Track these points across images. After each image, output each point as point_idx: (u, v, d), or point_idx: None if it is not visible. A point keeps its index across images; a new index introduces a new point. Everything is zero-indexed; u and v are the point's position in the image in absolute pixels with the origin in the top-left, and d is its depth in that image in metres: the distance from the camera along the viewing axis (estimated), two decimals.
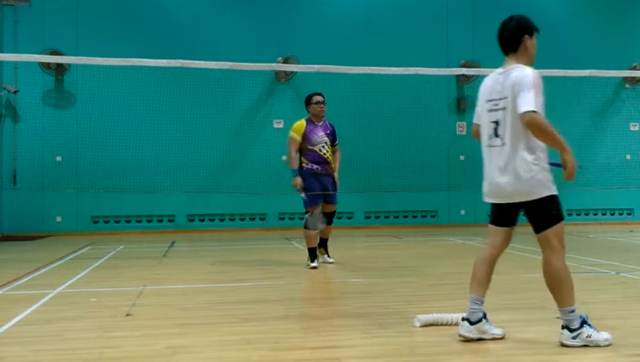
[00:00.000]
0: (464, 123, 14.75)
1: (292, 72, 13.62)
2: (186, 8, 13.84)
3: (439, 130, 14.49)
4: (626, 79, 15.15)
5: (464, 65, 14.06)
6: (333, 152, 7.48)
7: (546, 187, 3.65)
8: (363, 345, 3.73)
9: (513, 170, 3.66)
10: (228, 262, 8.08)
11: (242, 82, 13.04)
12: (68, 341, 3.90)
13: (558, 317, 4.08)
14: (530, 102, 3.55)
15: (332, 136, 7.47)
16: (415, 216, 14.53)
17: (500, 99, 3.74)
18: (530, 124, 3.55)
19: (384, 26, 14.46)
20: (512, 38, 3.89)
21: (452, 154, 14.64)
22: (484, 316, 3.82)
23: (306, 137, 7.29)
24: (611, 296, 5.31)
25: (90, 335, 4.01)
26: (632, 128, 15.21)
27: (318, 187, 7.28)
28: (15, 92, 12.66)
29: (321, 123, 7.45)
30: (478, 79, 14.16)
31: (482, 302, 3.87)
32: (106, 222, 13.33)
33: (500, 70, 3.88)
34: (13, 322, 4.43)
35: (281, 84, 13.97)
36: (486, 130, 3.86)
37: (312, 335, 4.01)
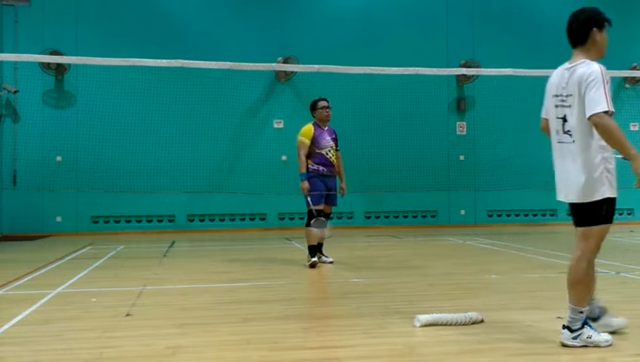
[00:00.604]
0: (464, 123, 14.74)
1: (292, 72, 13.61)
2: (186, 8, 13.84)
3: (439, 130, 14.48)
4: (626, 79, 15.16)
5: (464, 65, 14.06)
6: (337, 158, 7.66)
7: (608, 189, 3.59)
8: (363, 345, 3.73)
9: (581, 169, 3.58)
10: (228, 262, 8.08)
11: (242, 82, 13.04)
12: (68, 341, 3.90)
13: (558, 317, 4.08)
14: (598, 102, 3.45)
15: (336, 141, 7.67)
16: (415, 216, 14.53)
17: (567, 96, 3.66)
18: (598, 126, 3.47)
19: (384, 25, 14.45)
20: (581, 31, 3.73)
21: (452, 154, 14.64)
22: (587, 321, 3.67)
23: (314, 141, 7.45)
24: (611, 296, 5.30)
25: (90, 335, 4.01)
26: (632, 128, 15.21)
27: (322, 188, 7.44)
28: (15, 92, 12.65)
29: (326, 127, 7.64)
30: (478, 79, 14.19)
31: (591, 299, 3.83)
32: (106, 222, 13.32)
33: (566, 65, 3.76)
34: (13, 322, 4.43)
35: (281, 84, 13.97)
36: (554, 126, 3.79)
37: (312, 335, 4.01)
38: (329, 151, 7.50)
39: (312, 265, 7.28)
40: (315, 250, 7.46)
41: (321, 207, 7.42)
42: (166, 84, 12.79)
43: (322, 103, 7.63)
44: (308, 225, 7.41)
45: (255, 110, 13.96)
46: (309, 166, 7.44)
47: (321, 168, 7.45)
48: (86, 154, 12.93)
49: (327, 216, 7.64)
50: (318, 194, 7.37)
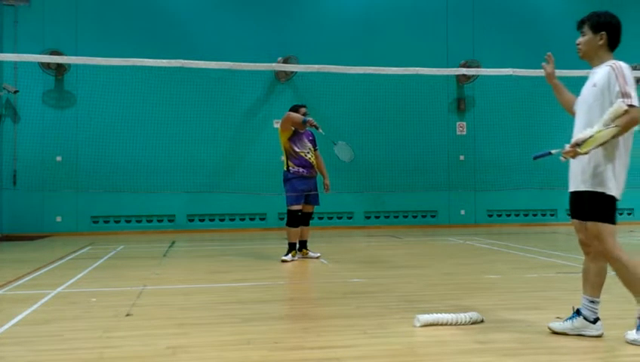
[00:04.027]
0: (464, 123, 14.74)
1: (292, 72, 13.61)
2: (186, 8, 13.84)
3: (439, 130, 14.49)
4: None
5: (464, 65, 14.06)
6: (316, 157, 7.97)
7: None
8: (363, 345, 3.73)
9: None
10: (228, 262, 8.09)
11: (242, 82, 13.04)
12: (68, 341, 3.90)
13: (557, 317, 4.09)
14: None
15: (313, 143, 7.99)
16: (415, 216, 14.53)
17: None
18: None
19: (384, 26, 14.46)
20: None
21: (452, 154, 14.65)
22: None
23: (295, 139, 7.74)
24: (611, 296, 5.30)
25: (90, 335, 4.01)
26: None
27: (303, 189, 7.73)
28: (15, 92, 12.65)
29: (304, 131, 7.89)
30: (478, 79, 14.19)
31: (594, 302, 3.90)
32: (106, 222, 13.32)
33: None
34: (13, 322, 4.43)
35: (281, 84, 13.97)
36: None
37: (312, 335, 4.01)
38: (308, 152, 7.78)
39: (284, 261, 7.66)
40: (294, 247, 7.80)
41: (299, 207, 7.70)
42: (166, 84, 12.80)
43: (303, 110, 7.85)
44: (288, 224, 7.73)
45: (255, 110, 13.96)
46: (291, 169, 7.72)
47: (301, 170, 7.72)
48: (86, 155, 12.93)
49: (310, 215, 7.96)
50: (296, 195, 7.65)
